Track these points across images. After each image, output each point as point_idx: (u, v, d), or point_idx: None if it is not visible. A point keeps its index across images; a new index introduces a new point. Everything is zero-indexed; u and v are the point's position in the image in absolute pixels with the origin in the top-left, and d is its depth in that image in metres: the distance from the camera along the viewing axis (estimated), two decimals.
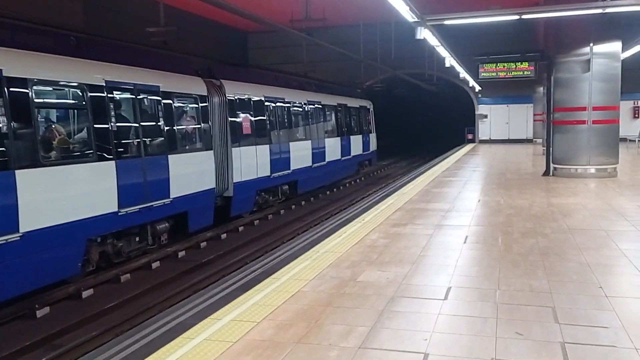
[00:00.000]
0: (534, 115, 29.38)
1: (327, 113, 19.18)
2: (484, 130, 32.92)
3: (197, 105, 11.51)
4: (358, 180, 23.43)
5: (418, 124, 42.66)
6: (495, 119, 32.48)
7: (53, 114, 8.62)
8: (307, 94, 17.60)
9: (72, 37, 8.77)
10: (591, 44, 13.59)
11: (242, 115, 13.22)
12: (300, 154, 16.22)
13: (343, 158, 20.27)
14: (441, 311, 4.60)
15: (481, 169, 17.51)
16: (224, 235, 12.69)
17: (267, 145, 14.22)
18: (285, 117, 15.71)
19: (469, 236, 7.45)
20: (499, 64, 14.29)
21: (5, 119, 6.88)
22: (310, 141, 17.17)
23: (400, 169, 28.70)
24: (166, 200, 10.05)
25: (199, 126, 11.56)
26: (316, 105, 18.10)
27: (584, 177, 13.82)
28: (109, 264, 9.51)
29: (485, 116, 32.57)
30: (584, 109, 13.79)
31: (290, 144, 15.66)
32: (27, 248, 7.12)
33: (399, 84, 31.39)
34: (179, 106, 10.99)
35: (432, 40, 13.50)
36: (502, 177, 14.73)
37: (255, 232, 13.33)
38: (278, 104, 15.21)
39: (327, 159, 18.48)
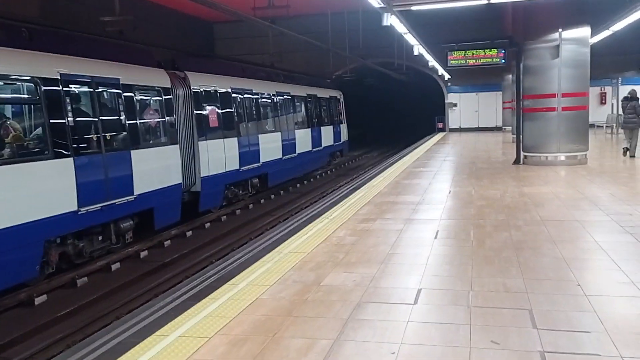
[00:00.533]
0: (503, 103, 29.39)
1: (297, 104, 18.86)
2: (454, 118, 32.87)
3: (160, 98, 11.10)
4: (329, 172, 23.08)
5: (388, 114, 42.33)
6: (465, 107, 32.45)
7: (6, 110, 8.11)
8: (275, 85, 17.24)
9: (24, 29, 8.22)
10: (560, 30, 13.37)
11: (208, 107, 12.80)
12: (270, 146, 15.87)
13: (314, 149, 20.01)
14: (411, 318, 4.22)
15: (452, 158, 17.28)
16: (189, 233, 12.20)
17: (236, 138, 13.83)
18: (254, 108, 15.32)
19: (440, 231, 7.10)
20: (467, 52, 13.98)
21: None
22: (280, 133, 16.83)
23: (372, 159, 28.42)
24: (130, 198, 9.66)
25: (163, 119, 11.16)
26: (285, 97, 17.73)
27: (554, 165, 13.64)
28: (71, 265, 9.07)
29: (455, 105, 32.52)
30: (553, 95, 13.59)
31: (260, 136, 15.27)
32: None
33: (368, 74, 31.03)
34: (141, 99, 10.59)
35: (400, 27, 13.12)
36: (473, 167, 14.49)
37: (222, 228, 12.87)
38: (246, 95, 14.81)
39: (298, 150, 18.19)
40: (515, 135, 16.08)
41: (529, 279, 5.02)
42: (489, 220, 7.61)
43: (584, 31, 13.54)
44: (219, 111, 13.21)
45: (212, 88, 13.07)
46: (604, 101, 29.53)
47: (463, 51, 13.97)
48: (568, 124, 13.60)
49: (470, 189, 10.54)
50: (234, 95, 14.04)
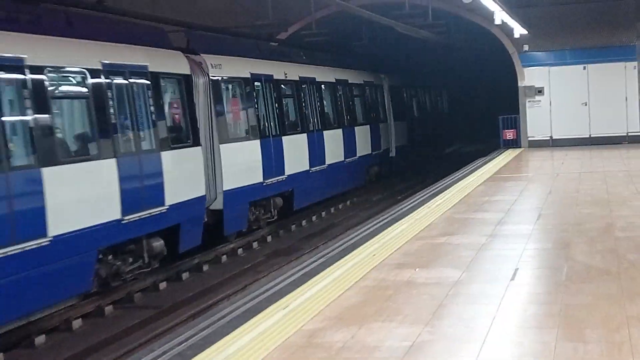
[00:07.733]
0: None
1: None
2: (537, 120, 27.87)
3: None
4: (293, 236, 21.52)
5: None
6: (561, 95, 27.82)
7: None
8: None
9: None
10: None
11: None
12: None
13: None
14: None
15: (518, 234, 10.94)
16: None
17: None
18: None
19: None
20: None
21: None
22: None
23: (367, 209, 25.07)
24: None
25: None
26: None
27: None
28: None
29: (540, 91, 27.18)
30: None
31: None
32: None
33: (355, 30, 27.52)
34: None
35: None
36: (573, 276, 7.90)
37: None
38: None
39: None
40: None
41: None
42: None
43: None
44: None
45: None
46: None
47: None
48: None
49: None
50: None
